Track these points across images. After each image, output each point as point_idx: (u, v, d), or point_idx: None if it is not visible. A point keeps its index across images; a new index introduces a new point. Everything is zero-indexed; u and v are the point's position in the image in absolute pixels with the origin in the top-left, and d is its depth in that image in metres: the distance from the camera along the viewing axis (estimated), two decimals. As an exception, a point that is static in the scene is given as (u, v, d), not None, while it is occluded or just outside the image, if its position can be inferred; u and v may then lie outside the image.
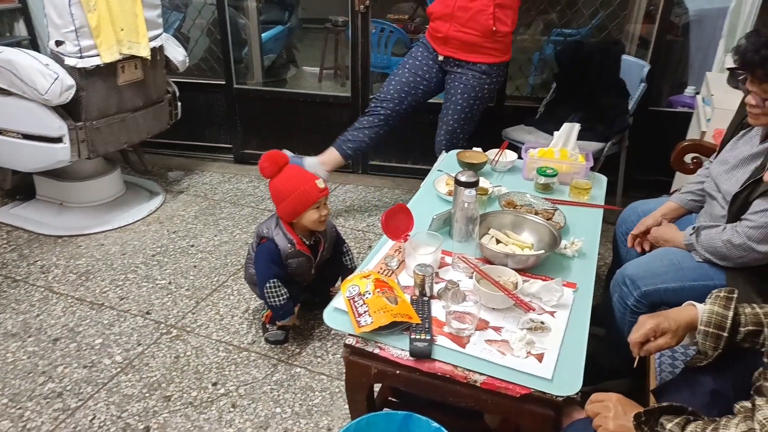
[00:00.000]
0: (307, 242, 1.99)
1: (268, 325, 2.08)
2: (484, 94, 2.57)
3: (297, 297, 2.04)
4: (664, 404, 0.98)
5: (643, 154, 3.02)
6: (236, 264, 2.56)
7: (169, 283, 2.43)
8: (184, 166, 3.57)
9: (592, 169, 2.51)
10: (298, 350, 2.06)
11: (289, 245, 1.92)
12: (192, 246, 2.71)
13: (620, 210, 2.07)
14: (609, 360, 1.83)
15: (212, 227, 2.88)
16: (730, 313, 1.10)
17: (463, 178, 1.65)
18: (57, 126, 2.39)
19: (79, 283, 2.42)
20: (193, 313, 2.24)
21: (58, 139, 2.42)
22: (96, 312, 2.24)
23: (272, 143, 3.32)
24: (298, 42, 5.53)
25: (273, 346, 2.07)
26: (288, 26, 4.83)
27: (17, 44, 3.32)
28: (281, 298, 1.92)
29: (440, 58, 2.52)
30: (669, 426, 0.94)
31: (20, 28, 3.43)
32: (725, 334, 1.10)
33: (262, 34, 4.31)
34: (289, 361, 2.00)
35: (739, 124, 1.71)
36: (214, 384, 1.90)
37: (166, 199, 3.15)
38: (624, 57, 2.79)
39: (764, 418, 0.84)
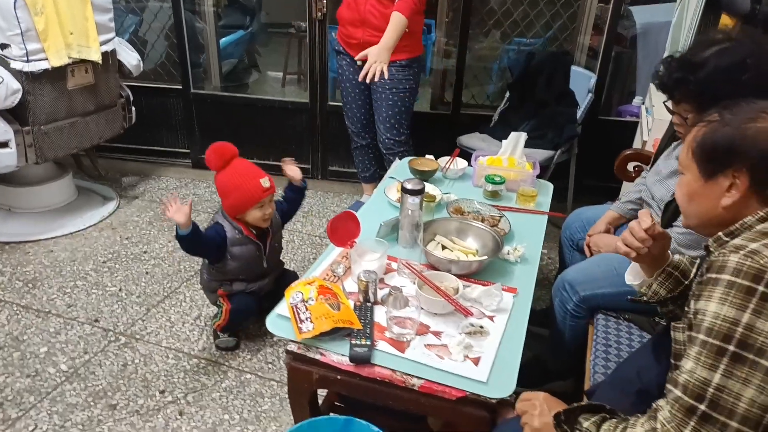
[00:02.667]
0: (254, 231, 1.98)
1: (219, 332, 2.08)
2: (411, 85, 2.61)
3: (252, 310, 2.03)
4: (584, 403, 1.02)
5: (593, 161, 3.11)
6: (189, 270, 2.54)
7: (120, 289, 2.40)
8: (141, 171, 3.52)
9: (542, 176, 2.60)
10: (249, 356, 2.06)
11: (236, 232, 1.92)
12: (145, 252, 2.68)
13: (564, 216, 2.14)
14: (553, 362, 1.90)
15: (167, 233, 2.85)
16: (695, 269, 1.20)
17: (408, 186, 1.68)
18: (2, 130, 2.34)
19: (25, 290, 2.37)
20: (143, 320, 2.22)
21: (3, 144, 2.37)
22: (42, 320, 2.20)
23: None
24: (262, 47, 5.50)
25: (224, 352, 2.07)
26: (249, 31, 4.81)
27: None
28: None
29: (359, 63, 2.51)
30: (586, 425, 0.98)
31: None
32: (686, 282, 1.18)
33: (222, 39, 4.28)
34: (240, 368, 2.00)
35: (672, 136, 1.79)
36: (162, 392, 1.89)
37: (120, 205, 3.10)
38: (573, 68, 2.88)
39: (664, 419, 0.88)
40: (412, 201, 1.58)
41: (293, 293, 1.46)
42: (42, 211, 2.83)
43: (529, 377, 1.82)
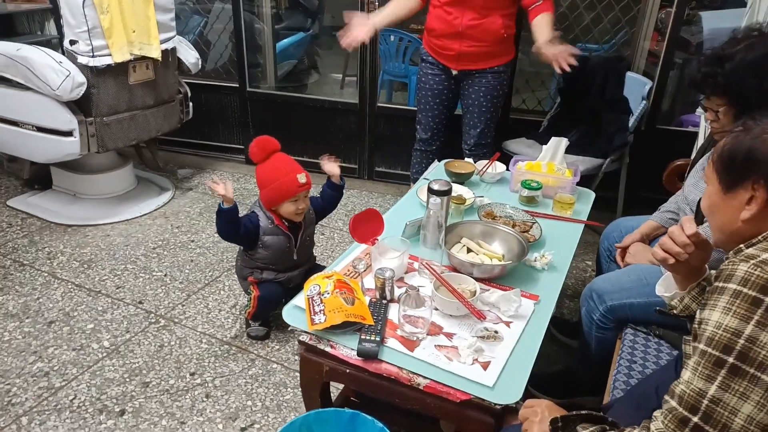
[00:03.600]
0: (287, 223, 2.02)
1: (250, 321, 2.14)
2: (505, 90, 2.62)
3: (279, 299, 2.08)
4: (583, 412, 0.99)
5: (649, 171, 2.97)
6: (231, 261, 2.63)
7: (165, 275, 2.52)
8: (197, 165, 3.69)
9: (589, 184, 2.52)
10: (277, 347, 2.11)
11: (269, 221, 1.98)
12: (192, 241, 2.80)
13: (602, 226, 2.06)
14: (582, 373, 1.83)
15: (214, 224, 2.95)
16: None
17: (435, 186, 1.68)
18: (68, 120, 2.52)
19: (81, 270, 2.53)
20: (183, 305, 2.32)
21: (68, 133, 2.55)
22: (92, 299, 2.35)
23: (283, 145, 3.39)
24: (326, 49, 5.63)
25: (254, 341, 2.13)
26: (310, 33, 4.93)
27: (47, 42, 3.51)
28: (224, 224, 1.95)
29: (455, 72, 2.55)
30: None
31: (50, 28, 3.61)
32: None
33: (283, 41, 4.43)
34: (268, 357, 2.06)
35: (712, 139, 1.71)
36: (192, 374, 1.97)
37: (175, 195, 3.26)
38: (628, 74, 2.77)
39: (656, 429, 0.84)
40: (434, 201, 1.57)
41: (311, 285, 1.49)
42: (103, 198, 3.02)
43: (558, 389, 1.78)
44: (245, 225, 1.96)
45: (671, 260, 1.10)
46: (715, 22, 3.12)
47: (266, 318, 2.16)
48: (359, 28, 2.38)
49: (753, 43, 1.38)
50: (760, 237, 0.91)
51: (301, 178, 1.95)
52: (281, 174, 1.93)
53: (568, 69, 2.22)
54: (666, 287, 1.24)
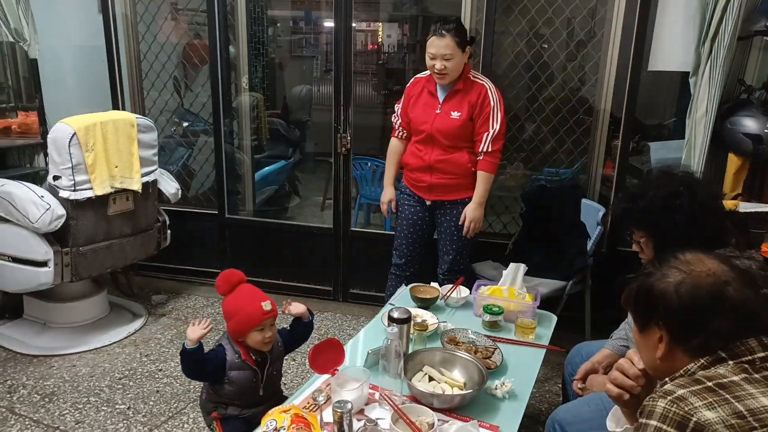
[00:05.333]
0: (254, 356, 1.98)
1: None
2: None
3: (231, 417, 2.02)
4: None
5: (613, 293, 3.05)
6: (197, 390, 2.57)
7: (128, 407, 2.45)
8: (173, 290, 3.70)
9: (553, 307, 2.58)
10: (239, 486, 2.01)
11: (236, 355, 1.93)
12: (160, 370, 2.75)
13: (564, 351, 2.09)
14: None
15: (184, 352, 2.92)
16: None
17: (394, 315, 1.73)
18: (43, 251, 2.58)
19: (41, 404, 2.45)
20: (144, 441, 2.24)
21: (43, 263, 2.60)
22: (49, 436, 2.26)
23: (259, 269, 3.47)
24: (310, 173, 5.92)
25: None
26: (291, 161, 5.20)
27: (35, 174, 3.67)
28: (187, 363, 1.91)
29: (428, 203, 2.71)
30: None
31: (40, 160, 3.79)
32: None
33: (264, 169, 4.66)
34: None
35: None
36: None
37: (147, 322, 3.24)
38: (583, 200, 2.95)
39: None
40: (392, 330, 1.61)
41: (268, 420, 1.47)
42: (74, 326, 3.00)
43: None
44: (211, 360, 1.94)
45: (626, 396, 1.12)
46: (661, 153, 3.38)
47: None
48: (393, 203, 2.85)
49: (662, 183, 1.58)
50: (681, 371, 0.96)
51: (266, 305, 1.95)
52: (246, 303, 1.94)
53: (468, 235, 2.64)
54: (616, 422, 1.25)
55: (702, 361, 0.94)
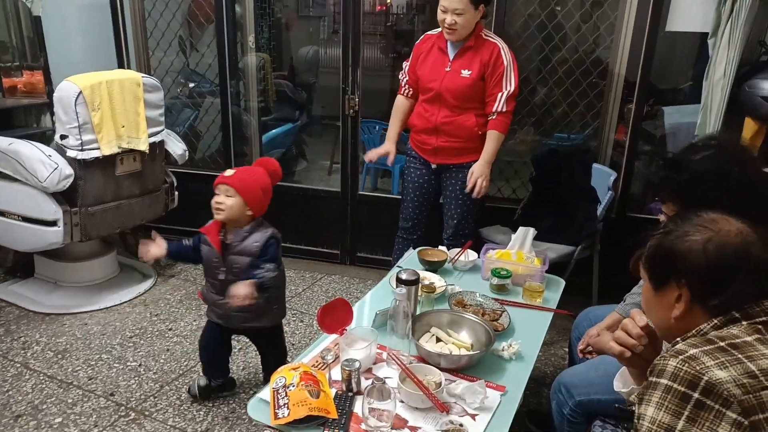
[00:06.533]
0: (223, 239, 2.05)
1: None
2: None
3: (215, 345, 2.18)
4: None
5: (621, 258, 3.04)
6: (207, 349, 2.61)
7: (140, 365, 2.49)
8: (181, 251, 3.72)
9: (562, 272, 2.57)
10: (249, 441, 2.07)
11: (205, 233, 2.07)
12: (170, 329, 2.79)
13: (571, 315, 2.09)
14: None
15: (194, 312, 2.97)
16: None
17: (402, 276, 1.73)
18: (52, 211, 2.59)
19: (54, 361, 2.50)
20: (155, 397, 2.28)
21: (53, 223, 2.61)
22: (63, 390, 2.30)
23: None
24: (315, 137, 5.87)
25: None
26: (298, 124, 5.15)
27: (42, 134, 3.65)
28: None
29: (434, 166, 2.67)
30: None
31: (46, 120, 3.77)
32: None
33: (271, 131, 4.62)
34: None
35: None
36: (158, 471, 1.91)
37: (157, 282, 3.28)
38: (594, 165, 2.91)
39: None
40: (400, 291, 1.61)
41: (278, 377, 1.49)
42: (84, 285, 3.03)
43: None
44: (187, 248, 2.14)
45: (627, 353, 1.13)
46: (676, 117, 3.32)
47: (210, 366, 2.24)
48: (391, 157, 2.72)
49: (711, 154, 1.41)
50: (693, 331, 0.95)
51: (227, 171, 2.06)
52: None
53: (475, 196, 2.56)
54: (623, 382, 1.25)
55: (715, 321, 0.93)
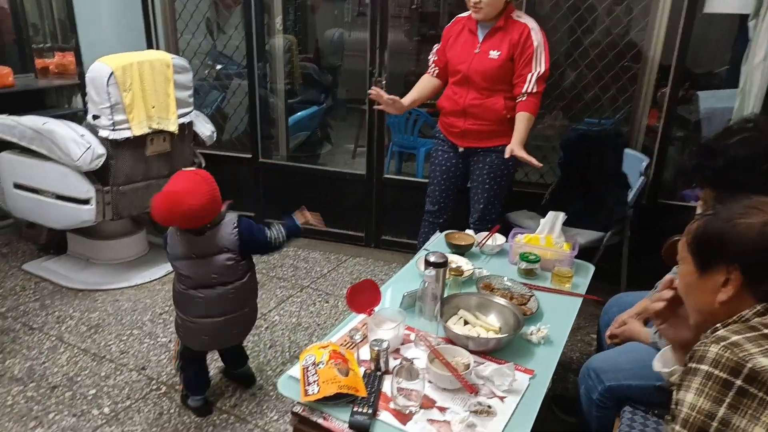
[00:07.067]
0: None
1: (187, 393, 2.13)
2: (509, 170, 2.66)
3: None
4: None
5: (652, 245, 2.99)
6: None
7: (169, 341, 2.55)
8: (208, 231, 3.77)
9: (590, 257, 2.54)
10: (276, 417, 2.10)
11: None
12: (198, 308, 2.84)
13: (600, 300, 2.07)
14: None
15: (221, 291, 3.01)
16: None
17: (431, 259, 1.72)
18: (85, 189, 2.64)
19: (88, 335, 2.57)
20: (185, 373, 2.33)
21: (86, 201, 2.67)
22: (96, 364, 2.37)
23: (291, 212, 3.50)
24: (340, 120, 5.86)
25: (252, 411, 2.12)
26: (323, 106, 5.15)
27: (73, 115, 3.71)
28: (280, 233, 2.06)
29: (461, 149, 2.65)
30: None
31: (77, 101, 3.83)
32: None
33: (297, 113, 4.63)
34: (265, 428, 2.05)
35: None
36: (189, 444, 1.96)
37: (185, 262, 3.32)
38: (626, 150, 2.86)
39: None
40: (429, 273, 1.61)
41: (307, 355, 1.51)
42: (115, 263, 3.10)
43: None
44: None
45: (660, 304, 1.11)
46: (711, 102, 3.23)
47: (195, 382, 2.12)
48: (389, 108, 2.59)
49: (746, 138, 1.37)
50: (735, 317, 0.93)
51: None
52: None
53: (537, 165, 2.42)
54: (664, 362, 1.23)
55: (758, 307, 0.91)
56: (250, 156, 3.69)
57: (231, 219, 1.95)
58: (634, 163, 2.82)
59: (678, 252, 1.05)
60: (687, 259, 1.01)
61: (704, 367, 0.84)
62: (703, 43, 3.63)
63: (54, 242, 3.24)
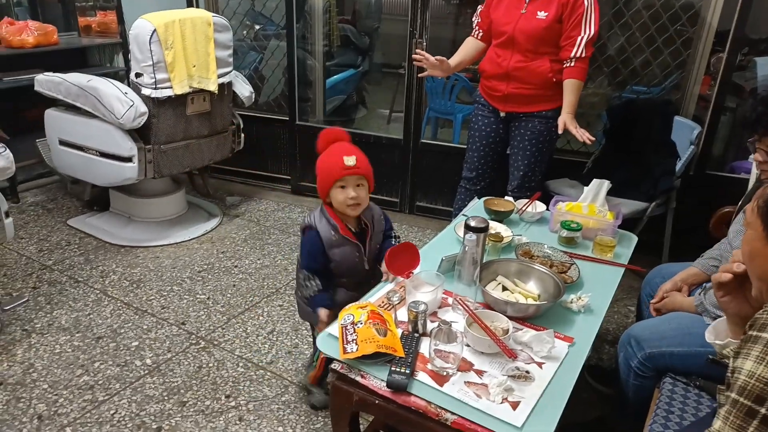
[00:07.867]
0: (353, 229, 1.81)
1: (313, 387, 2.00)
2: (552, 137, 2.58)
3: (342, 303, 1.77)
4: None
5: (697, 217, 2.90)
6: (271, 287, 2.70)
7: (208, 298, 2.61)
8: (245, 193, 3.83)
9: (633, 228, 2.48)
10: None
11: (333, 232, 1.76)
12: (235, 266, 2.89)
13: (643, 271, 2.02)
14: (618, 423, 1.78)
15: (258, 251, 3.06)
16: None
17: (471, 223, 1.70)
18: (128, 147, 2.68)
19: (130, 289, 2.65)
20: (223, 329, 2.39)
21: (128, 159, 2.71)
22: (139, 317, 2.45)
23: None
24: (376, 85, 5.79)
25: (288, 368, 2.16)
26: (360, 70, 5.09)
27: (115, 74, 3.76)
28: (309, 290, 1.78)
29: (502, 114, 2.58)
30: None
31: (119, 60, 3.87)
32: None
33: (334, 77, 4.59)
34: (301, 384, 2.08)
35: (757, 187, 1.67)
36: (228, 396, 2.02)
37: (222, 221, 3.38)
38: (677, 118, 2.74)
39: None
40: (470, 238, 1.59)
41: (346, 315, 1.52)
42: (156, 221, 3.17)
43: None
44: (314, 267, 1.78)
45: (727, 276, 1.07)
46: (768, 69, 3.06)
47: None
48: (434, 70, 2.53)
49: None
50: None
51: (348, 160, 1.70)
52: (329, 158, 1.75)
53: (589, 142, 2.27)
54: (716, 334, 1.19)
55: None
56: (287, 118, 3.69)
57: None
58: (684, 132, 2.71)
59: (746, 217, 1.00)
60: (755, 224, 0.96)
61: (766, 335, 0.80)
62: (765, 6, 3.43)
63: (98, 199, 3.33)
